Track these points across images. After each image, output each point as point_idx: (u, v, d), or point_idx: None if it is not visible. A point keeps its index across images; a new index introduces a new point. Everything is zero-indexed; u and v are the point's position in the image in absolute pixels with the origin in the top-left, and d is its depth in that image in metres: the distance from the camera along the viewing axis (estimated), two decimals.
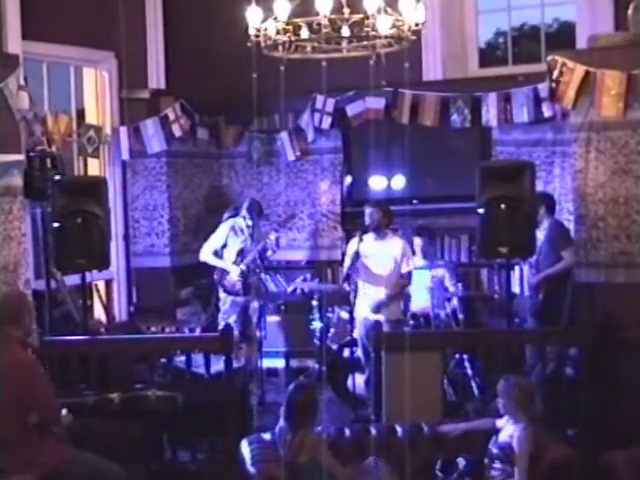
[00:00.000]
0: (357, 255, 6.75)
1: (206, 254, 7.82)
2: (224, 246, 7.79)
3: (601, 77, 5.99)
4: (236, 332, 7.51)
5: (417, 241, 7.74)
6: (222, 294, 7.80)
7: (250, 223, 7.69)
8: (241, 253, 7.71)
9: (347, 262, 6.88)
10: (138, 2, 8.46)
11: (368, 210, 6.85)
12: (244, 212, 7.73)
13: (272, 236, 7.78)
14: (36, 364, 4.78)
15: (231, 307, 7.75)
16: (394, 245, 6.88)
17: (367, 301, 6.80)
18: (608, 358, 5.73)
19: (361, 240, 6.74)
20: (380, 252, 6.83)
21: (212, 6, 8.83)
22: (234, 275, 7.67)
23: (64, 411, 4.84)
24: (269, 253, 7.82)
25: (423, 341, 5.97)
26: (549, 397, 6.11)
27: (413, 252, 7.65)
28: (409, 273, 6.89)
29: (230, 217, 7.93)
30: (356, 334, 6.99)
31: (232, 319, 7.61)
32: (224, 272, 7.75)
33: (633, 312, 5.82)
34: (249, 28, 5.17)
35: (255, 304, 7.67)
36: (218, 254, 7.81)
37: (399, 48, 5.27)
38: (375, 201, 7.13)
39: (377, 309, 6.75)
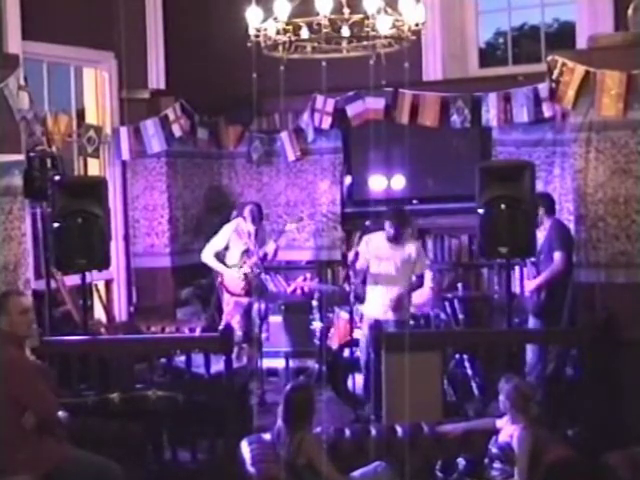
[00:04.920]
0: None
1: (207, 256, 7.83)
2: (226, 248, 7.80)
3: (601, 77, 5.99)
4: (239, 333, 7.54)
5: None
6: (225, 295, 7.81)
7: (252, 229, 7.70)
8: (246, 253, 7.71)
9: (362, 262, 6.85)
10: (138, 2, 8.45)
11: (387, 223, 6.81)
12: (247, 216, 7.73)
13: (271, 246, 7.78)
14: (28, 363, 4.78)
15: (234, 308, 7.76)
16: (408, 247, 6.84)
17: (380, 301, 6.76)
18: (608, 358, 5.73)
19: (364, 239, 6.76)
20: (394, 254, 6.79)
21: (212, 6, 8.84)
22: (236, 276, 7.67)
23: (60, 411, 4.85)
24: (268, 257, 7.81)
25: (423, 341, 5.97)
26: (549, 397, 6.12)
27: None
28: (422, 275, 6.88)
29: (235, 218, 7.94)
30: (357, 334, 6.99)
31: (235, 320, 7.62)
32: (225, 274, 7.76)
33: (633, 312, 5.82)
34: (249, 28, 5.17)
35: (258, 305, 7.67)
36: (220, 255, 7.82)
37: (399, 48, 5.27)
38: (391, 214, 6.93)
39: (398, 304, 6.70)
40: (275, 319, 7.95)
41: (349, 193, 8.70)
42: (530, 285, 6.87)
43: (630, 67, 5.91)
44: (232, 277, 7.74)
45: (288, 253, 8.65)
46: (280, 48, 5.14)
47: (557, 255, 6.64)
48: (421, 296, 7.29)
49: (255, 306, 7.67)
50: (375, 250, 6.78)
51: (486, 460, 4.96)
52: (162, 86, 8.63)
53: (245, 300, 7.75)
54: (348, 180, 8.69)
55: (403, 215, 6.93)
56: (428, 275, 7.60)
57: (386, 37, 5.08)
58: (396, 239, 6.80)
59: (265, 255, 7.72)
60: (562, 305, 6.62)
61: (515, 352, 6.16)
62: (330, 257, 8.67)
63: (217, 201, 8.90)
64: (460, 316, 7.45)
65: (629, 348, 5.75)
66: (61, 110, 7.68)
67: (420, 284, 6.93)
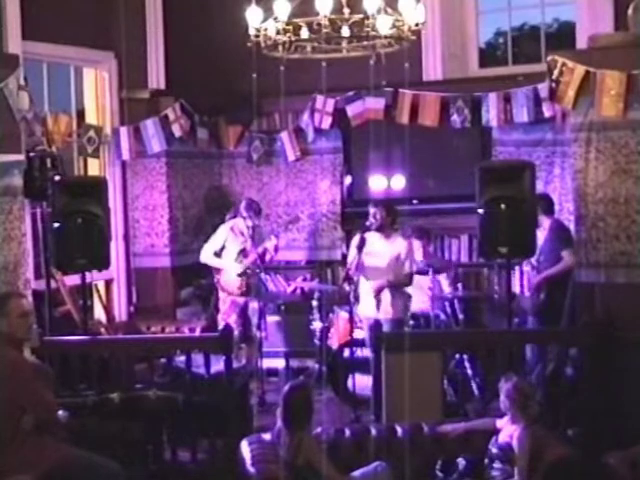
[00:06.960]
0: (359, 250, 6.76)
1: (207, 256, 7.82)
2: (222, 248, 7.78)
3: (601, 77, 6.00)
4: (236, 332, 7.53)
5: (416, 244, 7.64)
6: (222, 294, 7.80)
7: (250, 224, 7.68)
8: (242, 252, 7.70)
9: (350, 258, 6.86)
10: (138, 2, 8.45)
11: (371, 210, 6.84)
12: (243, 213, 7.72)
13: (271, 242, 7.77)
14: (26, 365, 4.78)
15: (230, 307, 7.75)
16: (398, 245, 6.86)
17: (370, 298, 6.77)
18: (608, 358, 5.73)
19: (364, 237, 6.75)
20: (384, 251, 6.81)
21: (212, 6, 8.84)
22: (234, 274, 7.66)
23: (60, 411, 4.84)
24: (267, 257, 7.78)
25: (423, 341, 5.97)
26: (549, 397, 6.12)
27: None
28: (411, 274, 6.88)
29: (230, 219, 7.93)
30: (357, 334, 6.99)
31: (232, 319, 7.61)
32: (223, 272, 7.75)
33: (633, 312, 5.82)
34: (249, 28, 5.18)
35: (255, 304, 7.67)
36: (217, 256, 7.81)
37: (399, 48, 5.28)
38: (378, 200, 7.11)
39: (378, 292, 6.72)
40: (275, 319, 7.95)
41: (349, 193, 8.70)
42: (537, 279, 6.88)
43: (630, 67, 5.91)
44: (228, 276, 7.73)
45: (288, 253, 8.65)
46: (280, 48, 5.14)
47: (565, 254, 6.67)
48: (422, 302, 7.33)
49: (254, 305, 7.66)
50: (367, 246, 6.78)
51: (486, 460, 4.96)
52: (162, 86, 8.63)
53: (241, 299, 7.75)
54: (348, 180, 8.69)
55: (388, 204, 6.96)
56: (444, 280, 7.63)
57: (386, 37, 5.09)
58: (380, 230, 6.79)
59: (265, 251, 7.69)
60: (562, 305, 6.63)
61: (515, 352, 6.16)
62: (330, 257, 8.67)
63: (217, 201, 8.89)
64: (460, 316, 7.45)
65: (629, 348, 5.75)
66: (61, 110, 7.69)
67: (406, 284, 6.92)
